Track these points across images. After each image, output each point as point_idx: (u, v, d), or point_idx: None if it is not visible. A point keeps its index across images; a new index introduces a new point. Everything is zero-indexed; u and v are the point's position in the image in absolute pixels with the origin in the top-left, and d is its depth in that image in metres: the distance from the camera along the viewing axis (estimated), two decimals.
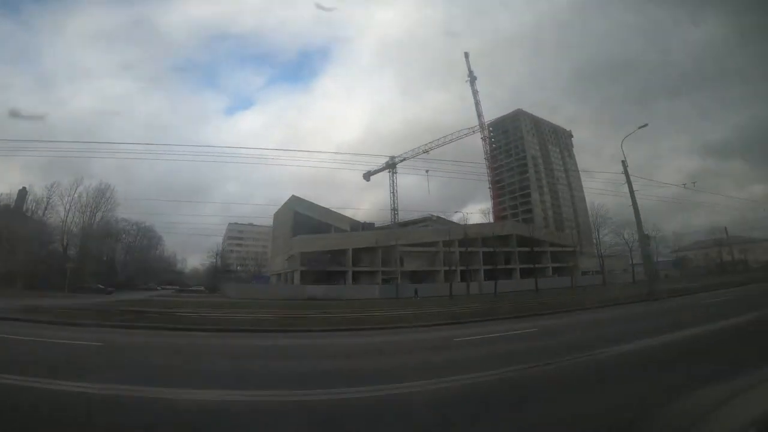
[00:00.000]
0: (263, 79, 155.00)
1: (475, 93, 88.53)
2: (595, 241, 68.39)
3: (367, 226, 52.52)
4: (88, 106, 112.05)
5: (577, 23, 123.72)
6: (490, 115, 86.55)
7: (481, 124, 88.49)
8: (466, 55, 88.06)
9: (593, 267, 68.23)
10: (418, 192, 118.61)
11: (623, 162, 24.07)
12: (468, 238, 52.69)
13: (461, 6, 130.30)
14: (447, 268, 49.57)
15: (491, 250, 50.96)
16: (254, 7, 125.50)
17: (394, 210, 67.75)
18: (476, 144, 78.91)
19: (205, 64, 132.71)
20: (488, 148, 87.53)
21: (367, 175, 72.62)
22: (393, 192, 69.50)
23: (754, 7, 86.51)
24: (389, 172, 71.68)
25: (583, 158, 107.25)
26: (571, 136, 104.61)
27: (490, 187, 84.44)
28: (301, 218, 52.74)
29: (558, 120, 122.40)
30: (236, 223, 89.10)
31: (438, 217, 61.90)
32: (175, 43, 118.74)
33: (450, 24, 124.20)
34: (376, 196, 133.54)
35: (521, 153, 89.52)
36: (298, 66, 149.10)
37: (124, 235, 59.62)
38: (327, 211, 53.88)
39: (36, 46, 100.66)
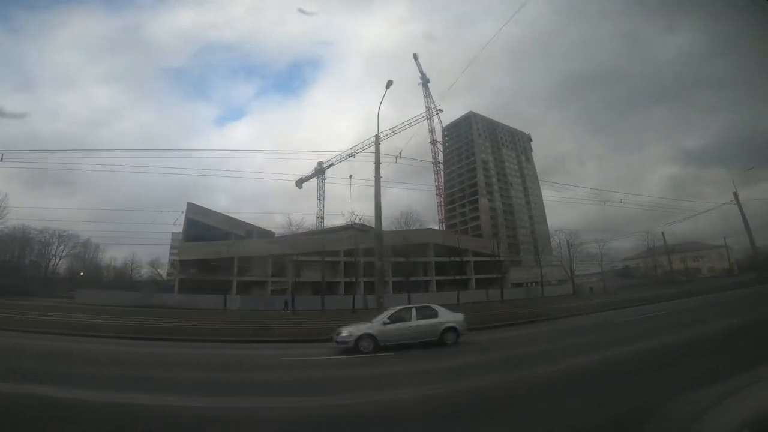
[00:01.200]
0: (254, 90, 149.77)
1: (427, 96, 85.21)
2: (555, 252, 64.29)
3: (263, 234, 47.93)
4: (74, 115, 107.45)
5: (558, 33, 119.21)
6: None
7: (431, 128, 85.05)
8: (415, 56, 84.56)
9: (533, 278, 63.70)
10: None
11: None
12: (371, 247, 48.21)
13: (444, 18, 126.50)
14: (348, 279, 45.07)
15: (401, 259, 46.52)
16: (245, 19, 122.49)
17: (320, 217, 63.55)
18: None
19: (195, 74, 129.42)
20: (436, 153, 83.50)
21: (299, 182, 68.73)
22: (320, 198, 65.35)
23: (727, 15, 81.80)
24: (318, 178, 67.64)
25: (567, 168, 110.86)
26: (530, 140, 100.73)
27: (437, 194, 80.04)
28: (195, 225, 48.27)
29: (542, 129, 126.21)
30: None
31: (362, 225, 57.13)
32: (164, 53, 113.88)
33: (431, 34, 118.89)
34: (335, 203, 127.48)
35: (471, 157, 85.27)
36: (289, 76, 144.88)
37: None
38: (224, 218, 49.46)
39: (24, 54, 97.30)
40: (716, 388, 2.58)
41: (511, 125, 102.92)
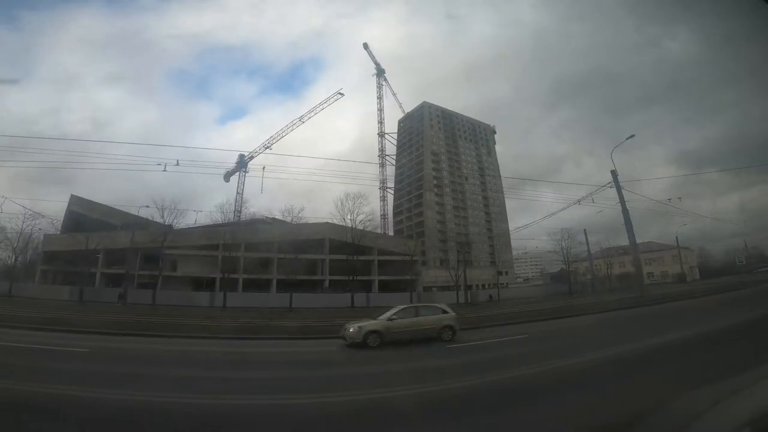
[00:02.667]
0: (256, 89, 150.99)
1: (380, 86, 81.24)
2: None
3: (146, 225, 45.09)
4: (78, 114, 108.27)
5: (556, 35, 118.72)
6: None
7: (380, 120, 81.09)
8: (366, 45, 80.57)
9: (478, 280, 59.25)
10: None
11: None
12: (261, 242, 45.07)
13: (441, 20, 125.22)
14: (222, 275, 42.03)
15: (284, 256, 43.26)
16: (248, 19, 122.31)
17: (237, 211, 60.82)
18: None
19: (198, 74, 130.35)
20: (383, 145, 79.48)
21: (227, 176, 66.48)
22: (239, 192, 62.72)
23: (725, 18, 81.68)
24: (242, 171, 64.96)
25: (566, 169, 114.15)
26: (494, 132, 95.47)
27: (380, 188, 76.03)
28: (77, 217, 46.07)
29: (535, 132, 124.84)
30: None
31: (273, 219, 53.93)
32: (166, 54, 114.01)
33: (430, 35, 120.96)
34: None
35: (421, 149, 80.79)
36: (291, 76, 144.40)
37: None
38: (110, 210, 46.98)
39: (27, 53, 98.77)
40: (717, 388, 2.82)
41: (509, 127, 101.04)
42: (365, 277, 46.60)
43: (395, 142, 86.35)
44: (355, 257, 44.19)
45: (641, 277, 22.80)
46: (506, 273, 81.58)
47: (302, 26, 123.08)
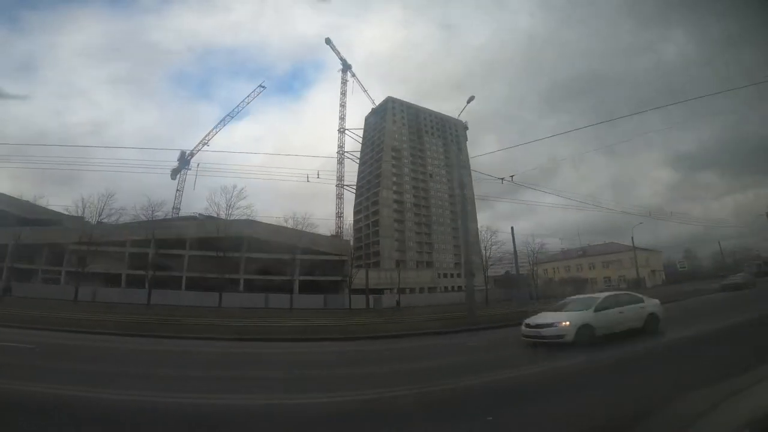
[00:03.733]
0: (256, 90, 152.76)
1: (344, 82, 79.14)
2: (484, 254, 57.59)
3: (59, 221, 44.49)
4: (79, 115, 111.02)
5: (553, 40, 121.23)
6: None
7: (342, 116, 78.95)
8: (328, 40, 78.44)
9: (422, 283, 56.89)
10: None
11: None
12: (172, 239, 43.82)
13: (440, 23, 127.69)
14: (130, 272, 41.07)
15: (196, 253, 42.02)
16: (249, 21, 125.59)
17: (176, 208, 60.24)
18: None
19: (199, 75, 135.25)
20: (343, 142, 77.26)
21: (173, 173, 66.00)
22: (179, 189, 61.96)
23: (720, 24, 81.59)
24: (184, 168, 64.23)
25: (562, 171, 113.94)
26: (466, 128, 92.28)
27: (337, 185, 73.86)
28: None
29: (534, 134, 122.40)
30: None
31: (207, 216, 52.70)
32: (169, 56, 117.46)
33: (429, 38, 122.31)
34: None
35: (381, 145, 78.46)
36: (292, 77, 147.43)
37: None
38: (32, 206, 46.53)
39: (30, 55, 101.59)
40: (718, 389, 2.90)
41: (505, 130, 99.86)
42: (284, 277, 44.71)
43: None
44: (265, 256, 42.63)
45: (471, 296, 18.12)
46: (473, 275, 78.59)
47: (302, 30, 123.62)
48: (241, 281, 44.33)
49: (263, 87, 68.43)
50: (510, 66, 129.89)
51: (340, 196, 73.77)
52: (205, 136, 65.03)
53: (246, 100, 68.62)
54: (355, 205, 78.32)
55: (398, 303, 38.84)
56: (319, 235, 50.51)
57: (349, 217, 74.08)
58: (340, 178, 75.10)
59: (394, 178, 75.99)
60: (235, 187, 42.71)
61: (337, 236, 59.06)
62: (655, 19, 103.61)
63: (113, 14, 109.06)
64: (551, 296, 47.28)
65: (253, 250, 44.95)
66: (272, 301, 40.27)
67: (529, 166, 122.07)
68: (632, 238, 52.49)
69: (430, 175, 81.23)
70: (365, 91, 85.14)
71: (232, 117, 67.16)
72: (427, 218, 78.00)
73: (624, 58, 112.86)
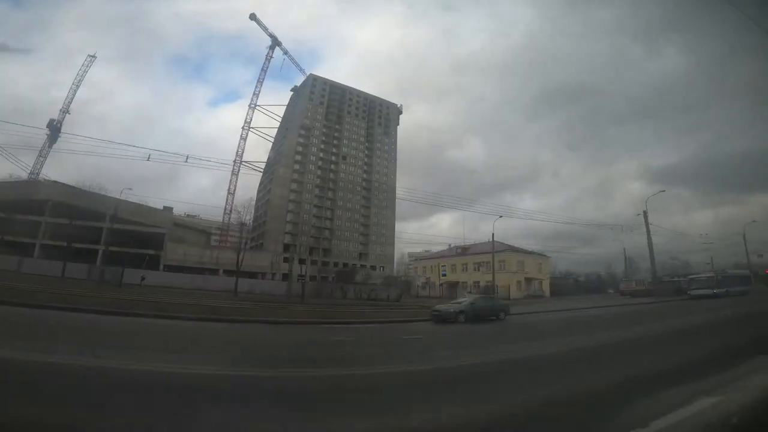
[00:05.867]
0: (251, 74, 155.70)
1: (268, 59, 75.30)
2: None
3: None
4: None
5: (543, 49, 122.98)
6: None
7: (256, 92, 75.16)
8: (253, 16, 73.74)
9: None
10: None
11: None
12: None
13: (437, 25, 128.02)
14: None
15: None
16: (248, 7, 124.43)
17: (34, 173, 59.11)
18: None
19: (195, 58, 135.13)
20: (250, 118, 73.58)
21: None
22: (43, 156, 60.41)
23: (706, 45, 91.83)
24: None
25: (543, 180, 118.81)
26: (400, 112, 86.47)
27: (234, 161, 70.54)
28: None
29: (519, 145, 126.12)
30: None
31: (54, 182, 51.03)
32: (166, 38, 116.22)
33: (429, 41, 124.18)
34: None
35: (293, 123, 74.28)
36: (288, 65, 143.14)
37: None
38: None
39: (27, 27, 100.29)
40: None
41: (494, 132, 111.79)
42: (90, 246, 42.38)
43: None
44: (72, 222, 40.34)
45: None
46: (383, 268, 74.20)
47: (301, 18, 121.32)
48: (37, 246, 42.41)
49: (93, 56, 64.88)
50: (502, 69, 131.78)
51: (235, 173, 70.71)
52: (63, 105, 62.22)
53: (82, 70, 65.03)
54: (260, 184, 75.22)
55: (143, 279, 35.41)
56: (143, 206, 47.72)
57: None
58: (240, 155, 72.12)
59: (298, 157, 72.01)
60: None
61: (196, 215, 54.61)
62: (643, 37, 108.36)
63: None
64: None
65: (59, 215, 42.80)
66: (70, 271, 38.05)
67: (511, 169, 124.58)
68: (492, 235, 46.18)
69: (344, 158, 76.66)
70: (302, 70, 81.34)
71: (78, 86, 63.68)
72: (333, 202, 73.77)
73: (612, 71, 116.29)
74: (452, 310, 17.32)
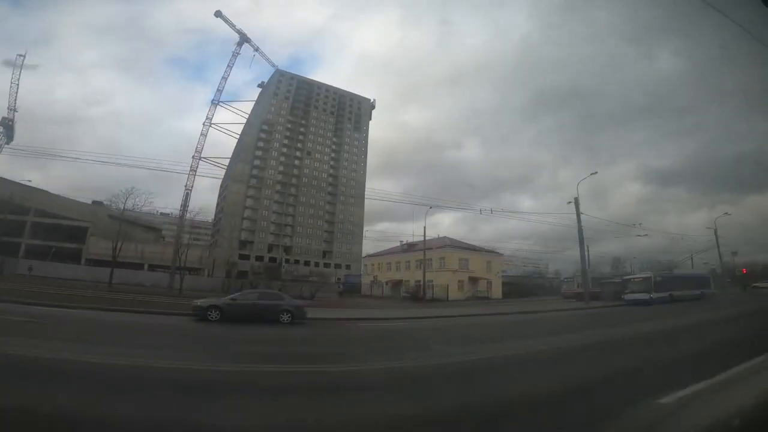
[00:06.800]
0: (252, 75, 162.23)
1: (235, 55, 74.06)
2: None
3: None
4: (73, 94, 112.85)
5: (540, 50, 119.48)
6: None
7: (220, 88, 73.95)
8: (219, 13, 71.53)
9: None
10: None
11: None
12: None
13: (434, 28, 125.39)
14: None
15: None
16: (248, 10, 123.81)
17: None
18: None
19: (195, 59, 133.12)
20: (212, 114, 72.44)
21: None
22: None
23: (703, 47, 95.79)
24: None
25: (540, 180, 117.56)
26: (373, 107, 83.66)
27: (194, 157, 69.22)
28: None
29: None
30: None
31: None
32: (166, 41, 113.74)
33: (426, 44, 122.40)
34: None
35: (257, 119, 72.80)
36: (288, 67, 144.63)
37: None
38: None
39: (26, 29, 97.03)
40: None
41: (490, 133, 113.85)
42: (12, 239, 42.04)
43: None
44: None
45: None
46: (348, 267, 71.52)
47: (301, 22, 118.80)
48: None
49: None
50: (498, 70, 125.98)
51: (194, 170, 69.55)
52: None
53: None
54: (222, 182, 74.18)
55: (30, 269, 34.16)
56: (70, 200, 47.10)
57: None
58: (199, 150, 71.03)
59: (259, 153, 70.48)
60: None
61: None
62: (638, 40, 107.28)
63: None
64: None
65: None
66: None
67: (508, 170, 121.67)
68: (424, 227, 42.54)
69: (308, 153, 74.59)
70: (275, 66, 79.79)
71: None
72: (295, 198, 71.75)
73: (609, 73, 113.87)
74: (205, 305, 14.55)
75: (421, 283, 43.08)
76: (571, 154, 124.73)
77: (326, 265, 71.14)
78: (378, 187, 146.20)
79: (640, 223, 46.55)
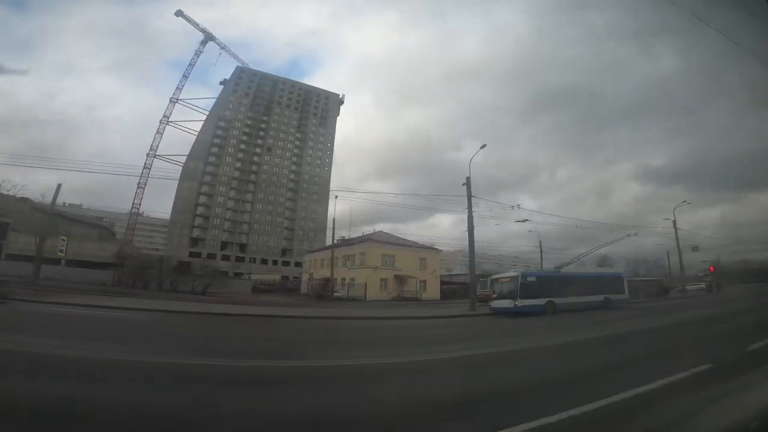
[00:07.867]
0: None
1: (198, 53, 74.12)
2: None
3: None
4: (74, 99, 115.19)
5: (537, 51, 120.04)
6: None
7: (180, 87, 73.97)
8: (180, 12, 72.12)
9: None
10: None
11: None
12: None
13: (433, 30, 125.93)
14: None
15: None
16: (248, 15, 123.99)
17: None
18: None
19: (196, 64, 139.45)
20: (170, 112, 72.11)
21: None
22: None
23: (699, 48, 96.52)
24: None
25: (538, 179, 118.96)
26: (341, 102, 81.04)
27: (148, 154, 68.92)
28: None
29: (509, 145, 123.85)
30: None
31: None
32: (166, 46, 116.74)
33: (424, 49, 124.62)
34: None
35: (215, 117, 71.87)
36: (288, 70, 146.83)
37: None
38: None
39: (28, 34, 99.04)
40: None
41: (490, 133, 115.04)
42: None
43: None
44: None
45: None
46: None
47: (300, 25, 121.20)
48: None
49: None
50: (497, 71, 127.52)
51: (147, 167, 69.17)
52: None
53: None
54: (179, 179, 73.55)
55: None
56: None
57: None
58: (155, 148, 70.74)
59: (215, 149, 69.35)
60: None
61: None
62: (636, 39, 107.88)
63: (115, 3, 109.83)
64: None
65: None
66: None
67: (507, 170, 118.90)
68: (333, 220, 39.73)
69: (269, 149, 72.77)
70: (244, 64, 79.23)
71: None
72: (253, 195, 70.01)
73: (607, 74, 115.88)
74: None
75: (330, 280, 39.63)
76: (571, 154, 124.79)
77: (285, 263, 68.87)
78: (378, 187, 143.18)
79: (635, 233, 40.81)
